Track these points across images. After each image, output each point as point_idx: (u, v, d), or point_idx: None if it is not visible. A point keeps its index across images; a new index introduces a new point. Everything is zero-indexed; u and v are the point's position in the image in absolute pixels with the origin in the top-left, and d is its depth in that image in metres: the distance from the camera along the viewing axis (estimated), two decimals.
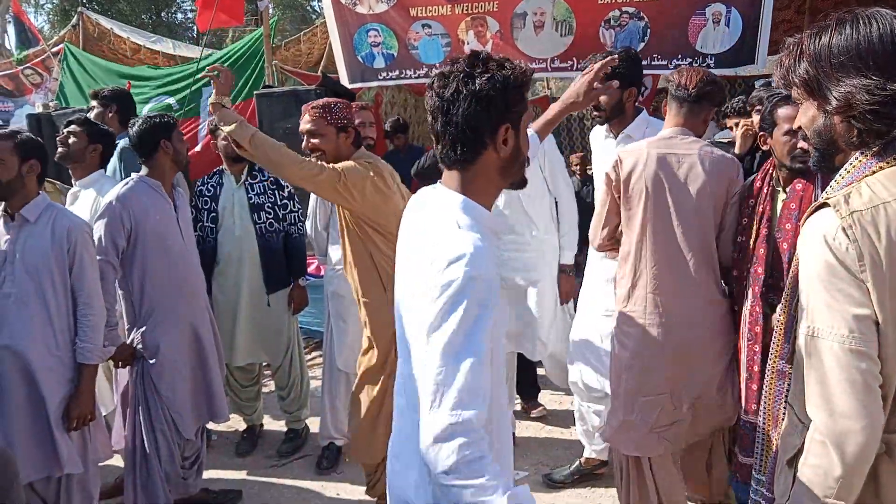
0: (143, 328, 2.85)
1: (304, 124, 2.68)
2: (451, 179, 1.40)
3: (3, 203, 2.48)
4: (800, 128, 1.93)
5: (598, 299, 3.03)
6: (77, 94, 7.41)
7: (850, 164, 1.29)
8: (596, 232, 2.66)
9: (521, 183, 1.46)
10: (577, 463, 3.30)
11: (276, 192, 3.64)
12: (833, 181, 1.33)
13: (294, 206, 3.69)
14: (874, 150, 1.26)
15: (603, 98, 2.83)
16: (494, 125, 1.33)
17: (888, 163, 1.24)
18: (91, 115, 3.76)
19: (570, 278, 3.50)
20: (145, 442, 2.83)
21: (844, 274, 1.20)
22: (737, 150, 3.00)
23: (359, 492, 2.97)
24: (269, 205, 3.60)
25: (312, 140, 2.66)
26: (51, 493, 2.55)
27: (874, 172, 1.24)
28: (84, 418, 2.54)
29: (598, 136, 3.17)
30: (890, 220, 1.18)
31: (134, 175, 2.92)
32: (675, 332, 2.40)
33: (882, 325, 1.19)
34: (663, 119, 2.94)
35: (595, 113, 2.96)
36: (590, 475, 3.29)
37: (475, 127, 1.32)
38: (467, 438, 1.18)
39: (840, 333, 1.20)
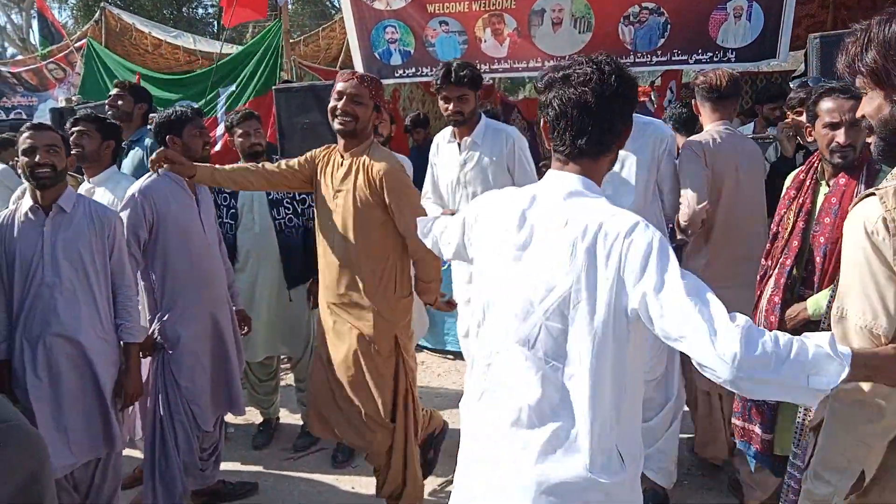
0: (164, 319, 2.88)
1: (349, 87, 2.59)
2: (572, 169, 1.46)
3: (33, 198, 2.52)
4: (840, 122, 2.00)
5: None
6: (99, 88, 7.50)
7: None
8: (694, 211, 2.67)
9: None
10: None
11: None
12: (891, 173, 1.34)
13: (313, 201, 3.70)
14: None
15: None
16: (626, 121, 1.45)
17: None
18: (118, 102, 3.87)
19: None
20: (165, 432, 2.88)
21: (878, 264, 1.24)
22: (785, 153, 3.03)
23: (374, 485, 2.99)
24: (288, 200, 3.62)
25: (352, 105, 2.59)
26: (87, 476, 2.63)
27: None
28: (136, 396, 2.71)
29: None
30: None
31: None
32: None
33: None
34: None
35: None
36: None
37: (615, 122, 1.43)
38: (762, 335, 1.20)
39: (866, 318, 1.26)
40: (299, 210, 3.65)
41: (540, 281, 1.39)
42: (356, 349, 2.69)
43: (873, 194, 1.27)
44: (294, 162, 2.79)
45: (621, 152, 2.83)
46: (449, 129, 3.30)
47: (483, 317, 1.52)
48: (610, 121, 1.42)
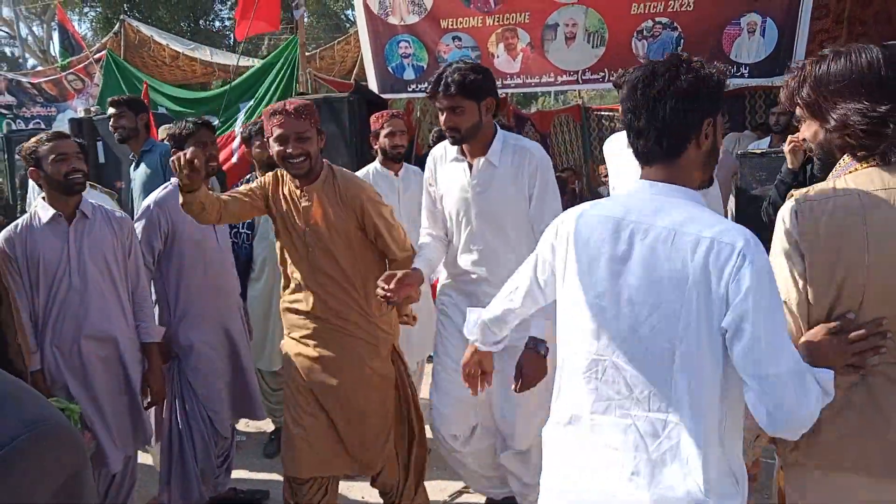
0: (178, 328, 2.93)
1: (290, 128, 2.40)
2: (655, 175, 1.44)
3: (54, 206, 2.57)
4: None
5: None
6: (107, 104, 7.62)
7: (839, 163, 1.52)
8: None
9: (709, 182, 1.51)
10: None
11: None
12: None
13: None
14: (858, 154, 1.47)
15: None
16: (699, 120, 1.39)
17: (863, 165, 1.45)
18: (121, 122, 3.97)
19: (537, 358, 2.27)
20: (183, 440, 2.91)
21: (790, 248, 1.45)
22: (789, 166, 3.01)
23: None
24: None
25: (300, 145, 2.40)
26: (108, 475, 2.70)
27: (850, 172, 1.46)
28: (161, 395, 2.79)
29: (621, 144, 3.14)
30: (832, 210, 1.41)
31: (173, 179, 3.00)
32: None
33: (811, 292, 1.44)
34: None
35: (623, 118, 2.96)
36: None
37: (682, 122, 1.39)
38: (819, 375, 1.31)
39: (787, 296, 1.45)
40: None
41: (645, 297, 1.35)
42: (361, 369, 2.58)
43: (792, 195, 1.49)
44: (247, 188, 2.62)
45: (631, 166, 2.91)
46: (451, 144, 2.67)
47: (580, 336, 1.45)
48: (665, 121, 1.38)
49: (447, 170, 2.70)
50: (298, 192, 2.52)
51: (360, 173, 3.55)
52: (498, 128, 2.62)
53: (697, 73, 1.37)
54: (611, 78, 4.73)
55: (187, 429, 2.92)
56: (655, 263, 1.34)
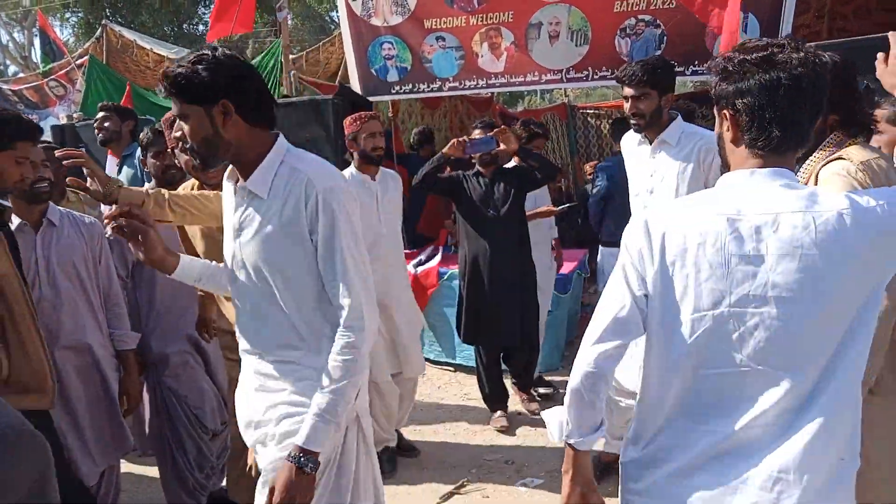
0: (150, 339, 2.93)
1: None
2: (780, 163, 1.31)
3: (19, 215, 2.49)
4: None
5: None
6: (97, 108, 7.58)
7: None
8: None
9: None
10: (596, 456, 3.34)
11: None
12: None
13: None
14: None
15: (642, 105, 2.87)
16: (820, 112, 1.32)
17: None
18: (105, 124, 4.01)
19: None
20: (173, 447, 2.95)
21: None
22: None
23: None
24: None
25: None
26: (94, 485, 2.67)
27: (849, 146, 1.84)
28: (139, 399, 2.77)
29: (632, 143, 3.15)
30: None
31: (146, 186, 3.04)
32: None
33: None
34: (695, 125, 3.04)
35: (634, 120, 2.95)
36: (609, 469, 3.30)
37: (819, 111, 1.31)
38: None
39: None
40: None
41: (795, 296, 1.24)
42: None
43: None
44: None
45: (665, 161, 2.93)
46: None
47: (714, 351, 1.31)
48: (817, 110, 1.29)
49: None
50: (231, 187, 2.44)
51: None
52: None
53: (826, 60, 1.30)
54: (594, 77, 4.74)
55: (176, 435, 2.93)
56: (799, 258, 1.23)
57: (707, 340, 1.30)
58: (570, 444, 1.49)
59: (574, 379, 1.44)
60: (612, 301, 1.41)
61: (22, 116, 2.29)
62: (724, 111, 1.33)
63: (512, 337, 3.93)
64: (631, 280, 1.38)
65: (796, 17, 4.82)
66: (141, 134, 3.12)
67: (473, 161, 3.92)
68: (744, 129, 1.30)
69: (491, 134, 3.70)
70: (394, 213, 3.52)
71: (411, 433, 3.94)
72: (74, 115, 7.68)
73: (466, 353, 4.77)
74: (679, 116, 3.00)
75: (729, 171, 1.38)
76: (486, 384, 4.04)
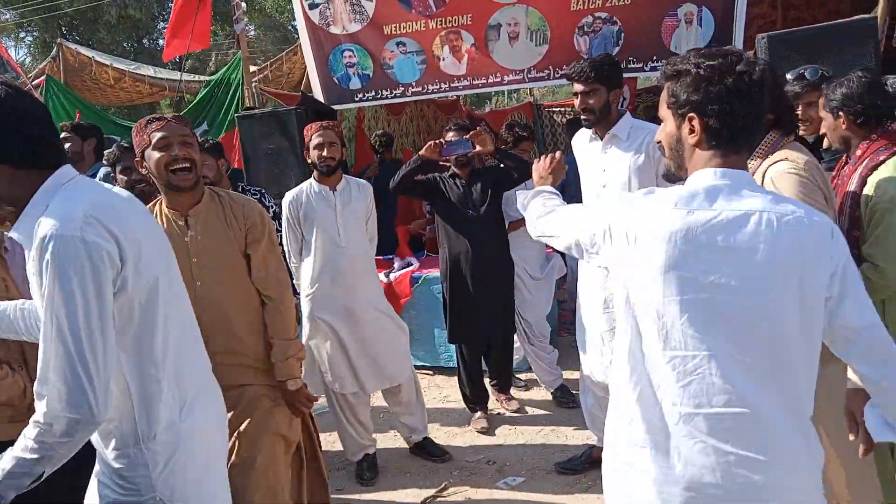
0: None
1: (175, 131, 2.22)
2: (734, 163, 1.41)
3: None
4: None
5: (596, 294, 3.09)
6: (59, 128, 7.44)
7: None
8: None
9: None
10: (588, 451, 3.40)
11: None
12: None
13: (279, 226, 3.69)
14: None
15: (591, 101, 2.96)
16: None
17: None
18: (66, 145, 3.88)
19: None
20: None
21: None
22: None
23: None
24: None
25: (187, 149, 2.22)
26: None
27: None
28: None
29: (583, 141, 3.21)
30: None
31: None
32: None
33: None
34: (644, 120, 3.10)
35: (584, 116, 3.03)
36: (600, 463, 3.34)
37: (763, 112, 1.45)
38: None
39: None
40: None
41: (763, 286, 1.33)
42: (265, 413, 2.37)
43: None
44: None
45: (617, 155, 2.98)
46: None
47: (686, 336, 1.36)
48: (765, 112, 1.45)
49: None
50: (177, 214, 2.29)
51: (292, 192, 3.47)
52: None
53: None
54: (555, 75, 4.78)
55: None
56: (761, 247, 1.33)
57: (675, 323, 1.37)
58: None
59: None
60: (582, 225, 1.59)
61: None
62: (691, 115, 1.40)
63: (494, 331, 3.99)
64: (605, 238, 1.49)
65: (751, 6, 4.91)
66: (107, 152, 3.09)
67: (446, 164, 3.93)
68: (709, 133, 1.39)
69: (466, 136, 3.72)
70: (359, 223, 3.47)
71: (390, 438, 3.94)
72: None
73: (446, 356, 4.78)
74: (628, 112, 3.11)
75: (681, 170, 1.47)
76: (466, 384, 4.06)
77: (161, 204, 2.34)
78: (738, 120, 1.37)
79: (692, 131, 1.41)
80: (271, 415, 2.36)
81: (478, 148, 3.70)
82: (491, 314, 3.92)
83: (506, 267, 4.00)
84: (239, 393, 2.31)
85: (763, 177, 2.05)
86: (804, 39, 3.77)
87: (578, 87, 2.98)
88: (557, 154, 2.23)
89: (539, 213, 1.86)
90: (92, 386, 1.35)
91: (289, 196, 3.46)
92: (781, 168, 2.02)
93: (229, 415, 2.11)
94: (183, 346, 1.65)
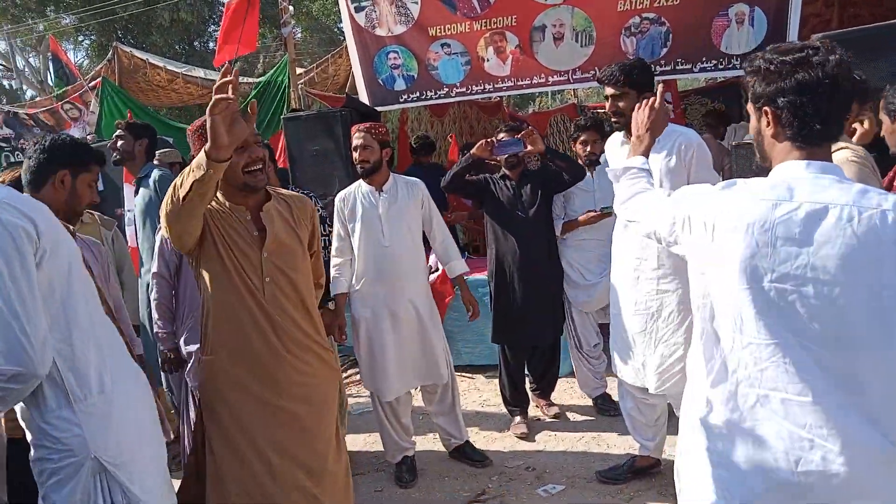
0: (181, 338, 3.10)
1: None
2: (820, 155, 1.42)
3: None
4: None
5: (629, 295, 3.05)
6: (114, 126, 7.67)
7: None
8: None
9: None
10: (630, 460, 3.35)
11: None
12: None
13: (324, 231, 3.69)
14: None
15: (622, 104, 2.94)
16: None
17: None
18: (118, 144, 3.95)
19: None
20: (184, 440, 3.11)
21: None
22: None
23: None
24: None
25: (262, 150, 2.29)
26: None
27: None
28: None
29: (615, 143, 3.19)
30: None
31: None
32: None
33: None
34: (693, 123, 3.05)
35: (614, 119, 3.01)
36: (643, 473, 3.30)
37: (850, 105, 1.46)
38: None
39: None
40: None
41: (835, 280, 1.32)
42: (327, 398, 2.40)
43: None
44: None
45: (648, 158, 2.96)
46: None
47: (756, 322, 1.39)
48: (849, 105, 1.45)
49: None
50: (242, 210, 2.24)
51: (344, 190, 3.51)
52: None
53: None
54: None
55: (189, 432, 3.08)
56: (839, 242, 1.32)
57: (750, 312, 1.38)
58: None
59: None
60: (662, 214, 1.61)
61: (87, 143, 2.44)
62: (765, 108, 1.44)
63: (542, 337, 3.97)
64: (684, 228, 1.52)
65: (805, 6, 4.76)
66: (159, 153, 3.19)
67: (496, 163, 3.93)
68: (784, 125, 1.42)
69: (518, 136, 3.71)
70: (405, 223, 3.45)
71: (430, 441, 3.93)
72: (89, 137, 7.78)
73: (489, 354, 4.74)
74: None
75: (766, 162, 1.51)
76: (507, 387, 4.03)
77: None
78: (810, 112, 1.39)
79: (768, 124, 1.45)
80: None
81: (529, 147, 3.67)
82: (538, 317, 3.90)
83: (554, 270, 3.97)
84: (313, 390, 2.33)
85: None
86: (863, 39, 3.62)
87: (609, 90, 2.98)
88: (655, 99, 2.05)
89: (623, 195, 1.88)
90: (29, 341, 1.53)
91: (341, 194, 3.52)
92: (844, 156, 2.01)
93: (303, 407, 2.27)
94: (107, 331, 1.82)
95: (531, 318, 3.88)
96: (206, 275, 2.22)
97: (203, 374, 2.27)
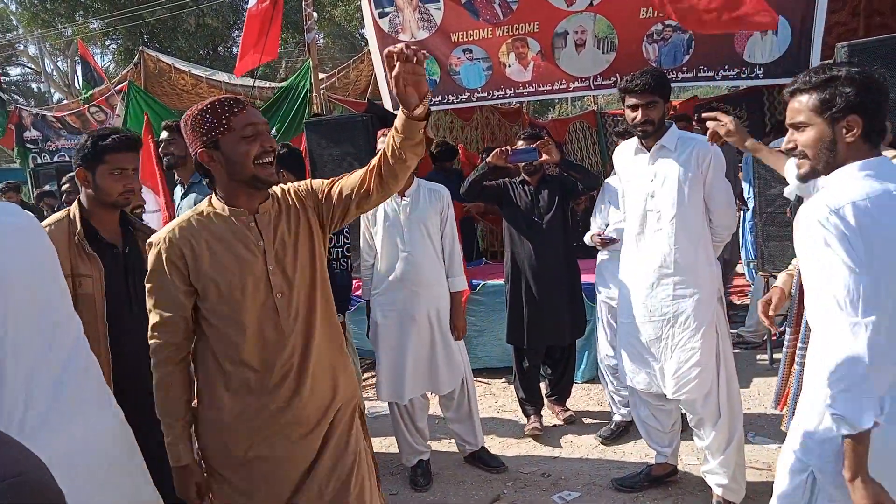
0: None
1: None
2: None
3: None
4: None
5: (641, 302, 3.04)
6: (139, 129, 7.79)
7: None
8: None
9: None
10: (647, 468, 3.32)
11: None
12: None
13: (338, 242, 3.59)
14: None
15: (652, 113, 2.92)
16: None
17: None
18: (170, 148, 3.98)
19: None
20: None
21: None
22: None
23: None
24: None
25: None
26: None
27: None
28: None
29: (627, 152, 3.15)
30: None
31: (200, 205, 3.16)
32: None
33: None
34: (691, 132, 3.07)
35: (643, 128, 2.94)
36: (659, 481, 3.27)
37: None
38: None
39: None
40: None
41: None
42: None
43: None
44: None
45: (666, 165, 2.98)
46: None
47: None
48: None
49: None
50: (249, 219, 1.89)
51: None
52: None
53: None
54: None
55: None
56: None
57: None
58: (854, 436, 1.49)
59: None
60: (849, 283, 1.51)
61: (115, 130, 2.35)
62: (853, 116, 1.60)
63: (556, 339, 3.99)
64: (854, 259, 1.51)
65: (830, 14, 4.72)
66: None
67: (515, 168, 3.95)
68: (867, 130, 1.61)
69: (534, 145, 3.72)
70: (426, 229, 3.44)
71: (445, 445, 3.93)
72: None
73: (507, 357, 4.75)
74: (673, 124, 3.05)
75: (829, 169, 1.66)
76: (522, 387, 4.05)
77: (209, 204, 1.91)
78: (883, 117, 1.63)
79: (848, 130, 1.61)
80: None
81: (544, 157, 3.68)
82: (552, 320, 3.90)
83: (570, 276, 3.97)
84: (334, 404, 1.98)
85: None
86: (890, 48, 3.59)
87: (637, 99, 2.90)
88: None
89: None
90: None
91: None
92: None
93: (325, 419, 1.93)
94: (36, 359, 1.54)
95: (545, 321, 3.89)
96: None
97: None
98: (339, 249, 3.66)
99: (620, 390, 3.81)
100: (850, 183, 1.59)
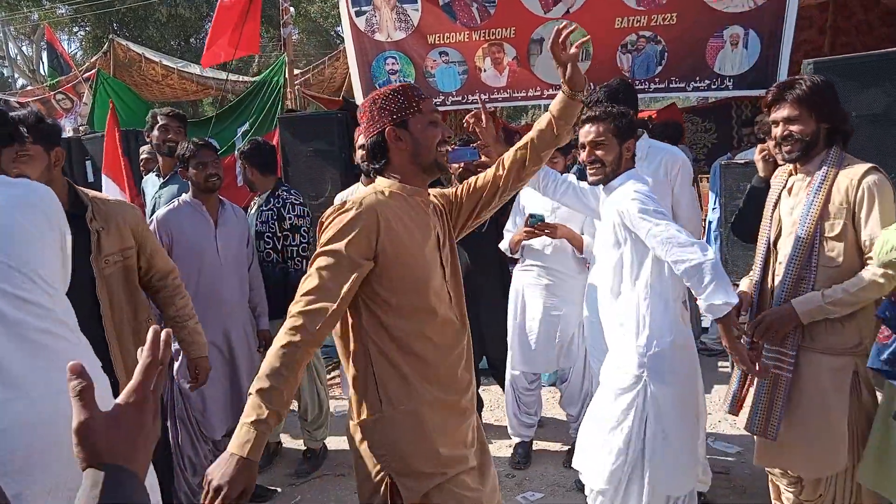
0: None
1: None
2: None
3: None
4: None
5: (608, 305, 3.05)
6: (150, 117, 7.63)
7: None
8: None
9: None
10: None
11: (278, 223, 3.62)
12: None
13: (294, 241, 3.63)
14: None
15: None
16: None
17: None
18: (169, 135, 3.96)
19: None
20: (169, 436, 3.14)
21: None
22: (760, 174, 3.00)
23: None
24: (269, 234, 3.62)
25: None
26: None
27: None
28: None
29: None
30: None
31: (184, 196, 3.28)
32: None
33: None
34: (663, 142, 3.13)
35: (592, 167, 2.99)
36: None
37: None
38: None
39: None
40: (279, 247, 3.64)
41: None
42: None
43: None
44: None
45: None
46: None
47: None
48: None
49: None
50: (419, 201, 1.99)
51: (344, 193, 3.54)
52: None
53: None
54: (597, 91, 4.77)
55: (174, 426, 3.16)
56: None
57: None
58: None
59: None
60: None
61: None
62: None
63: (501, 350, 3.92)
64: None
65: (798, 32, 4.84)
66: (180, 147, 3.26)
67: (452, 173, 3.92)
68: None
69: (474, 145, 3.67)
70: None
71: None
72: (81, 129, 7.74)
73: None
74: (645, 133, 3.10)
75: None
76: None
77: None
78: None
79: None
80: None
81: (483, 158, 3.63)
82: (492, 332, 3.91)
83: (505, 287, 3.89)
84: None
85: (858, 184, 2.22)
86: (854, 66, 3.70)
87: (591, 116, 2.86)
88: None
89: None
90: None
91: (342, 195, 3.61)
92: (877, 178, 2.22)
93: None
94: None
95: (483, 332, 3.86)
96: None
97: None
98: (295, 248, 3.64)
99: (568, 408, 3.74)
100: None
